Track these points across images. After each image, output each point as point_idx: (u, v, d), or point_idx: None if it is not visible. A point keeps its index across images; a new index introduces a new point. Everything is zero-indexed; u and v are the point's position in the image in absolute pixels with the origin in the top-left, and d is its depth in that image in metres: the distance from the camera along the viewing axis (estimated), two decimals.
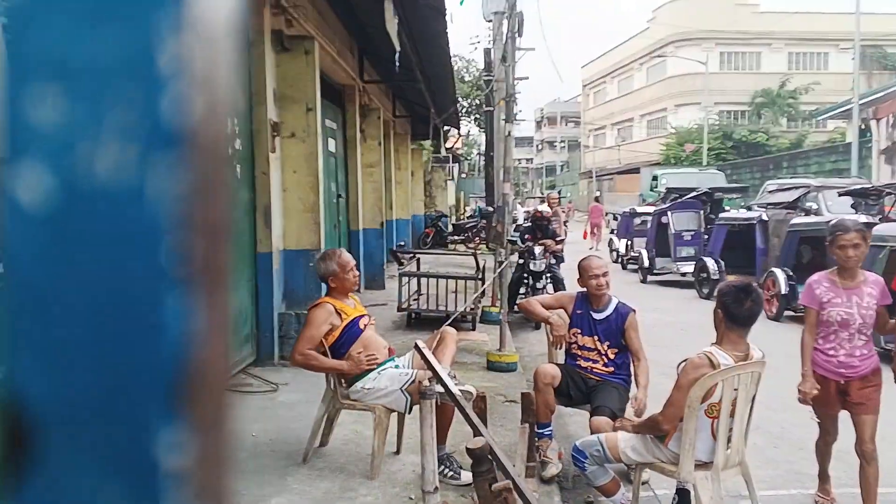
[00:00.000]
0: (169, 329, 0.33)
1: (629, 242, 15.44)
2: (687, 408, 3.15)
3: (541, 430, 4.03)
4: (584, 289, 4.27)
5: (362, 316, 4.12)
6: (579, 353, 4.24)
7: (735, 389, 3.14)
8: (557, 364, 4.25)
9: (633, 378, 4.18)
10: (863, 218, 7.46)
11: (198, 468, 0.34)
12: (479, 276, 8.30)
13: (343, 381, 4.02)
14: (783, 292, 9.03)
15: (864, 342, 3.60)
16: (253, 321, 6.22)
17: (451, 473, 3.85)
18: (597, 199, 25.70)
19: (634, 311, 4.23)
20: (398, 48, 6.72)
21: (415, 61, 10.37)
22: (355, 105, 10.72)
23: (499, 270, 7.02)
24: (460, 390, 3.55)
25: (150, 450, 0.33)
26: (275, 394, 5.41)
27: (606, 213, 24.17)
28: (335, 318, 3.97)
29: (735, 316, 3.14)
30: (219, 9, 0.34)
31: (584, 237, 23.50)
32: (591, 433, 3.97)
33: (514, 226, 12.11)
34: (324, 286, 4.26)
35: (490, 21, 20.19)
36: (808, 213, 10.05)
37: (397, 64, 7.30)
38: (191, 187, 0.33)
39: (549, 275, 8.78)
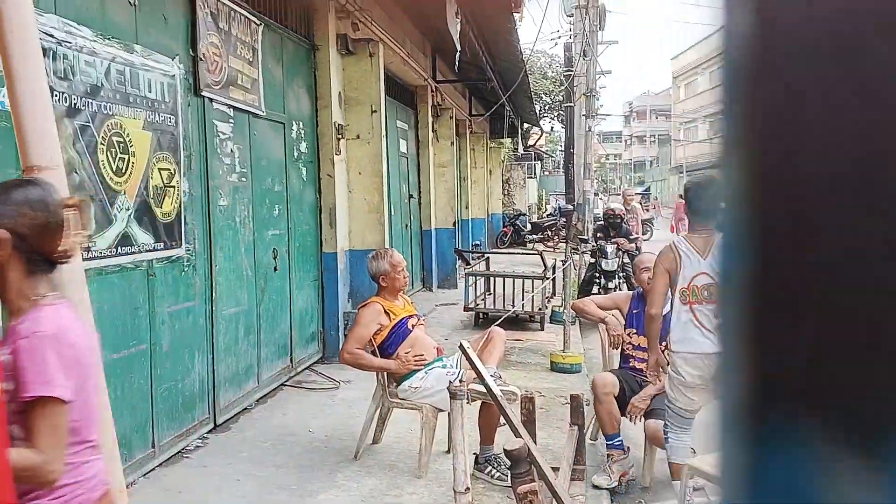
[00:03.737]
0: None
1: None
2: None
3: (610, 441, 3.93)
4: (639, 287, 4.13)
5: (411, 316, 4.14)
6: (633, 353, 4.11)
7: None
8: (613, 371, 4.14)
9: None
10: None
11: None
12: (547, 276, 8.18)
13: (392, 380, 4.05)
14: None
15: None
16: (319, 319, 6.37)
17: (498, 475, 3.81)
18: (681, 196, 25.05)
19: None
20: (458, 48, 6.72)
21: (486, 60, 10.35)
22: (427, 105, 10.78)
23: (561, 269, 6.89)
24: (503, 391, 3.51)
25: None
26: (336, 391, 5.52)
27: None
28: (383, 317, 4.01)
29: (696, 209, 3.45)
30: None
31: (671, 231, 23.15)
32: (647, 438, 3.86)
33: (595, 224, 11.86)
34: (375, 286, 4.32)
35: (571, 15, 19.91)
36: None
37: (457, 64, 7.29)
38: None
39: (622, 274, 8.55)
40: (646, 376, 4.01)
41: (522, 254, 12.09)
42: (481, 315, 8.29)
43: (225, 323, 4.65)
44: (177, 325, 4.07)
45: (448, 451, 4.23)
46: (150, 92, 3.80)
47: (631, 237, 8.97)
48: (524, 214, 21.36)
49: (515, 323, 8.11)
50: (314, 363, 6.21)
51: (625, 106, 72.12)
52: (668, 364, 3.51)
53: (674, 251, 3.39)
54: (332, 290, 6.42)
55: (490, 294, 8.54)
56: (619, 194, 28.61)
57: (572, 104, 20.62)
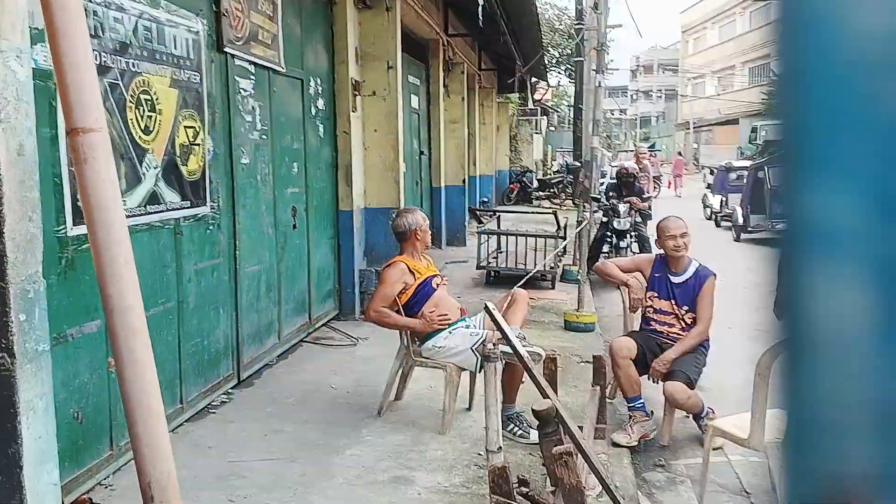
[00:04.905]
0: None
1: (724, 199, 14.78)
2: (757, 376, 3.05)
3: (632, 404, 4.00)
4: (662, 251, 4.15)
5: (435, 276, 4.17)
6: (654, 316, 4.15)
7: None
8: (631, 334, 4.18)
9: (709, 344, 4.08)
10: None
11: None
12: (560, 235, 8.20)
13: (416, 338, 4.11)
14: None
15: None
16: (335, 277, 6.41)
17: (521, 432, 3.90)
18: (679, 154, 25.34)
19: (715, 275, 4.09)
20: (482, 1, 6.59)
21: (500, 13, 10.17)
22: (439, 60, 10.64)
23: (578, 229, 6.90)
24: (528, 352, 3.55)
25: None
26: (354, 348, 5.60)
27: (703, 167, 23.54)
28: (408, 276, 4.05)
29: None
30: None
31: (668, 187, 23.45)
32: (665, 399, 3.93)
33: (602, 182, 11.80)
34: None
35: None
36: None
37: (481, 18, 7.17)
38: None
39: (634, 233, 8.56)
40: (668, 339, 4.07)
41: (535, 212, 12.09)
42: (493, 273, 8.34)
43: (248, 280, 4.69)
44: (202, 282, 4.11)
45: (469, 409, 4.33)
46: (175, 49, 3.76)
47: (644, 196, 8.95)
48: (531, 171, 21.26)
49: (527, 281, 8.15)
50: (331, 320, 6.28)
51: (632, 60, 70.99)
52: None
53: None
54: (347, 248, 6.45)
55: (501, 252, 8.58)
56: (628, 151, 28.47)
57: (582, 58, 20.32)
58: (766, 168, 12.15)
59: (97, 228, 2.23)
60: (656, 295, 4.15)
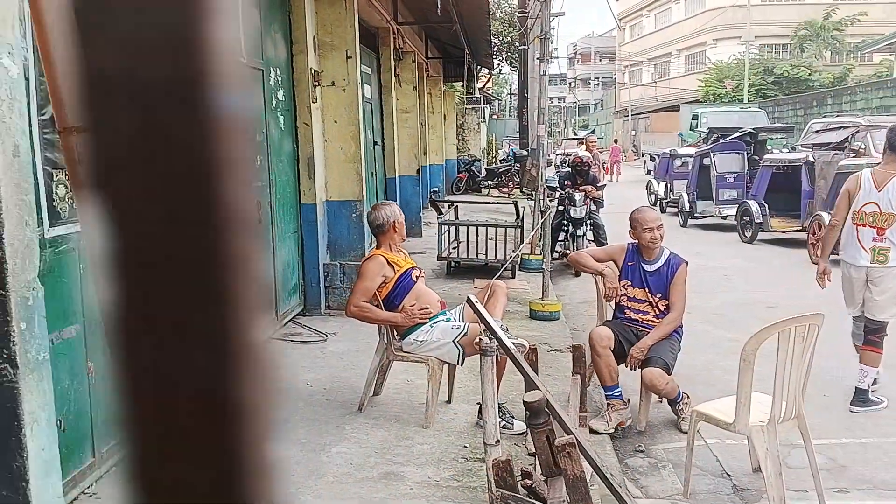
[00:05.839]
0: None
1: (668, 185, 15.17)
2: (742, 361, 3.16)
3: (609, 392, 4.07)
4: (636, 241, 4.24)
5: (413, 268, 4.16)
6: (629, 304, 4.24)
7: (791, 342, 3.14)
8: (607, 323, 4.26)
9: (682, 330, 4.19)
10: None
11: None
12: (520, 225, 8.27)
13: (396, 333, 4.09)
14: None
15: None
16: (299, 272, 6.31)
17: (504, 423, 3.92)
18: (615, 141, 26.15)
19: (687, 262, 4.20)
20: None
21: (451, 1, 10.13)
22: (390, 48, 10.54)
23: (543, 219, 6.97)
24: (513, 343, 3.59)
25: None
26: (324, 343, 5.53)
27: (643, 154, 24.07)
28: (388, 269, 4.02)
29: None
30: None
31: (605, 173, 24.20)
32: (644, 385, 4.02)
33: (549, 169, 11.91)
34: (366, 238, 4.30)
35: None
36: (857, 153, 9.74)
37: (439, 4, 7.13)
38: None
39: (589, 221, 8.71)
40: (643, 326, 4.16)
41: (494, 202, 12.16)
42: (452, 264, 8.36)
43: None
44: None
45: (448, 402, 4.34)
46: None
47: (598, 184, 9.11)
48: (479, 160, 21.34)
49: (486, 271, 8.22)
50: (297, 315, 6.18)
51: (569, 48, 71.92)
52: None
53: (859, 179, 4.35)
54: (311, 241, 6.35)
55: (460, 243, 8.60)
56: (571, 139, 28.86)
57: (526, 47, 20.47)
58: (711, 155, 12.54)
59: None
60: (630, 283, 4.24)
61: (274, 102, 5.75)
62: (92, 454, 3.11)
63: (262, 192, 5.46)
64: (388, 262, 4.04)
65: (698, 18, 42.02)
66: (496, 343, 3.05)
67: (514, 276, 8.13)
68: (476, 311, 3.38)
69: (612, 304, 4.39)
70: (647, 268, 4.20)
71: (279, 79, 5.87)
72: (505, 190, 18.36)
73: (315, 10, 6.46)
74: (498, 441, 2.90)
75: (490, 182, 19.26)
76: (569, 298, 7.60)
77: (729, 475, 3.60)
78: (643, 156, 23.72)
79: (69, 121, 2.15)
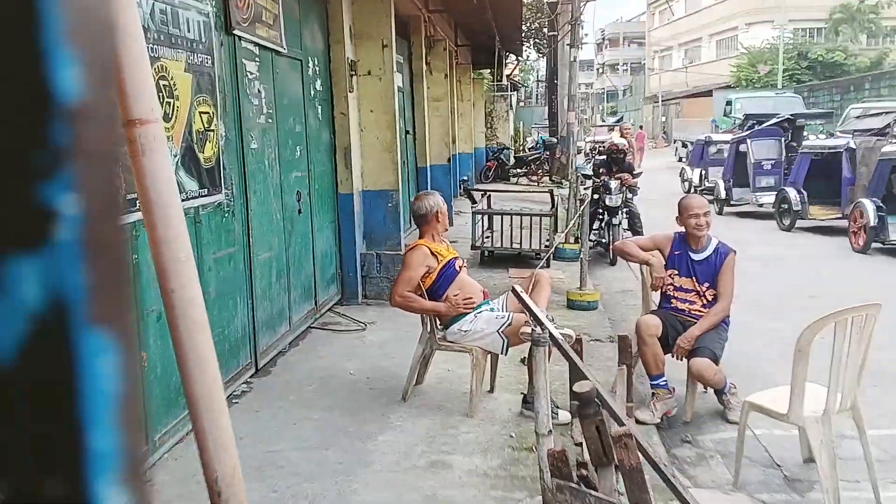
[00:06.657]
0: None
1: (703, 172, 14.94)
2: (798, 351, 3.10)
3: (655, 382, 4.04)
4: (682, 228, 4.18)
5: (456, 258, 4.15)
6: (675, 294, 4.19)
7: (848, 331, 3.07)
8: (654, 312, 4.21)
9: (730, 320, 4.13)
10: None
11: None
12: (554, 213, 8.22)
13: (439, 322, 4.09)
14: (872, 224, 8.66)
15: None
16: (337, 262, 6.34)
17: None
18: (641, 127, 26.11)
19: (735, 251, 4.14)
20: None
21: None
22: (421, 37, 10.49)
23: (582, 208, 6.92)
24: (560, 333, 3.57)
25: None
26: (363, 332, 5.56)
27: (676, 140, 23.76)
28: (431, 259, 4.01)
29: None
30: None
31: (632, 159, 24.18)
32: (691, 375, 3.98)
33: (580, 157, 11.82)
34: (402, 228, 4.30)
35: None
36: None
37: None
38: None
39: (625, 209, 8.62)
40: (689, 316, 4.11)
41: (527, 191, 12.10)
42: (486, 253, 8.34)
43: (261, 268, 4.61)
44: (221, 271, 4.03)
45: (491, 391, 4.34)
46: (188, 32, 3.64)
47: (634, 172, 9.00)
48: (508, 148, 21.22)
49: (521, 260, 8.19)
50: (335, 305, 6.22)
51: (597, 33, 71.06)
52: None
53: None
54: (348, 231, 6.38)
55: (493, 232, 8.57)
56: (601, 126, 28.60)
57: (556, 33, 20.26)
58: (748, 141, 12.31)
59: (157, 224, 2.15)
60: (677, 272, 4.18)
61: (312, 93, 5.76)
62: (144, 442, 3.17)
63: (301, 182, 5.48)
64: (432, 253, 4.03)
65: (730, 2, 41.25)
66: (548, 333, 3.04)
67: (548, 266, 8.08)
68: (522, 302, 3.36)
69: (658, 293, 4.34)
70: (695, 257, 4.15)
71: (317, 69, 5.88)
72: (534, 178, 18.24)
73: (352, 1, 6.45)
74: (550, 431, 2.89)
75: (519, 170, 19.15)
76: (605, 287, 7.53)
77: (779, 465, 3.55)
78: (674, 142, 23.36)
79: (132, 112, 2.17)
